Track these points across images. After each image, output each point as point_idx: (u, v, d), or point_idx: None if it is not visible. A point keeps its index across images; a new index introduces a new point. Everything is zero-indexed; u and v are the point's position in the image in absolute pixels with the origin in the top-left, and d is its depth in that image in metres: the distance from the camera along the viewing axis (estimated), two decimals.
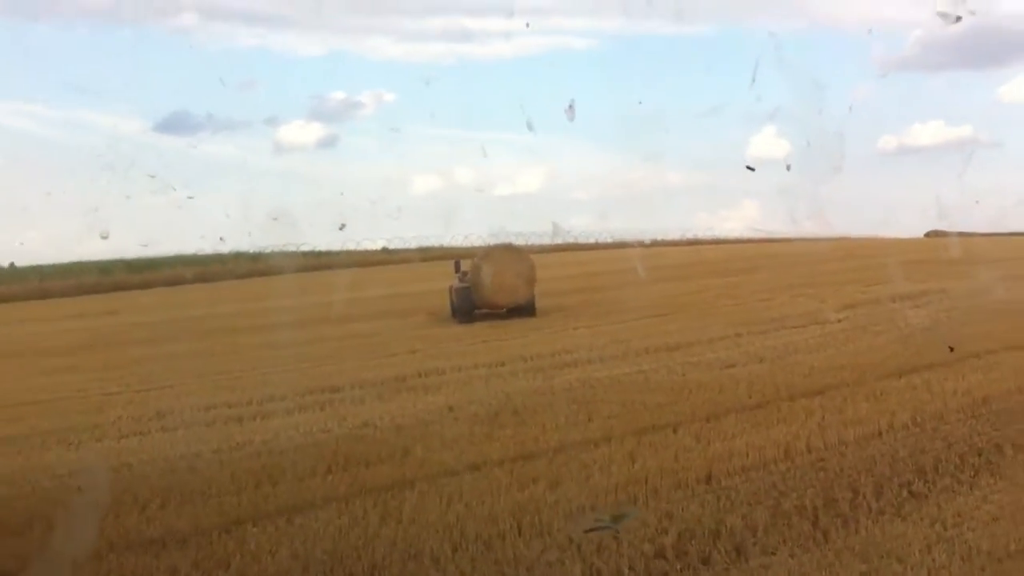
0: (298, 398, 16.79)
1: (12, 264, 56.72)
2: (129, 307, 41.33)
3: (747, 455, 10.88)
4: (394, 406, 15.59)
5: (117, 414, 16.40)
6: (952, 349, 16.16)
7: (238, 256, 52.62)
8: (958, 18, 11.33)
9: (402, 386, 17.60)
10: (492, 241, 34.00)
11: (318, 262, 50.30)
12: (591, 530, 8.34)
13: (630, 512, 8.79)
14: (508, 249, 31.52)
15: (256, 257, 52.16)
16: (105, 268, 53.23)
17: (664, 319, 25.83)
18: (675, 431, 12.34)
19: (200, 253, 53.69)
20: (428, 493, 10.07)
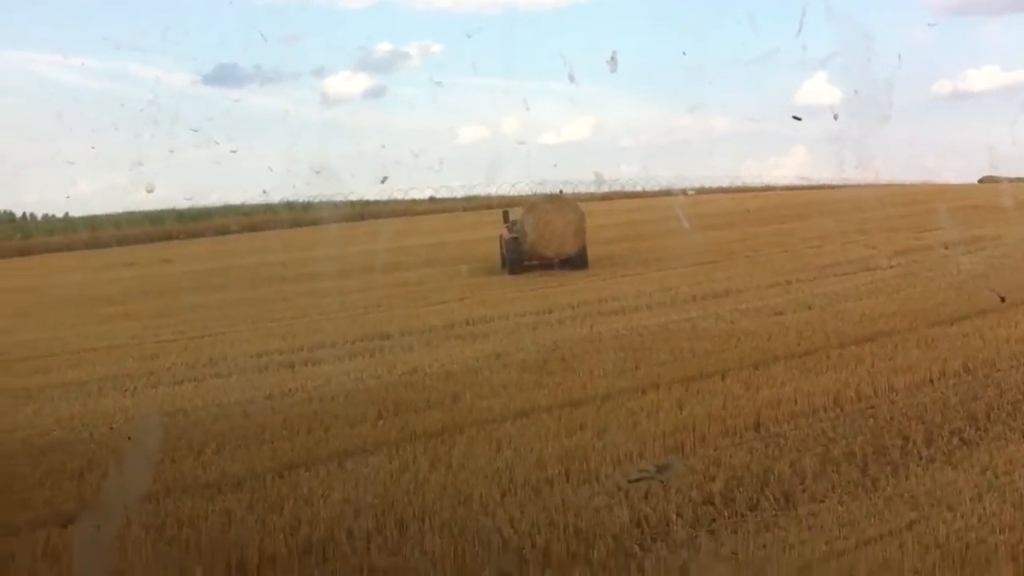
0: (348, 345, 16.98)
1: (66, 214, 57.65)
2: (180, 256, 41.89)
3: (796, 402, 10.83)
4: (443, 353, 15.71)
5: (171, 361, 16.70)
6: (1003, 299, 15.90)
7: (286, 205, 53.03)
8: None
9: (450, 333, 17.72)
10: (538, 190, 33.66)
11: (365, 211, 50.59)
12: (636, 480, 8.37)
13: (674, 462, 8.81)
14: (556, 199, 30.75)
15: (303, 207, 52.55)
16: (156, 218, 53.93)
17: (712, 267, 25.68)
18: (723, 378, 12.30)
19: (248, 203, 54.26)
20: (477, 439, 10.16)
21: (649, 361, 13.71)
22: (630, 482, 8.28)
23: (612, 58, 13.73)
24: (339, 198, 50.81)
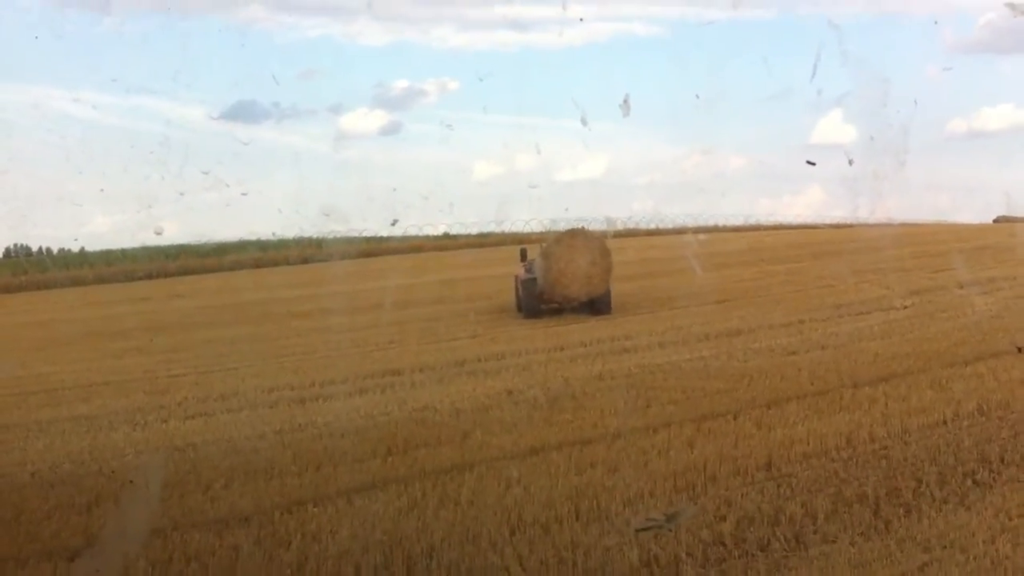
0: (359, 381, 16.97)
1: (82, 249, 57.94)
2: (192, 291, 42.05)
3: (808, 442, 10.76)
4: (453, 390, 15.68)
5: (182, 395, 16.72)
6: (1021, 350, 15.69)
7: (297, 241, 53.25)
8: None
9: (461, 370, 17.70)
10: (551, 228, 32.73)
11: (377, 248, 50.74)
12: (644, 529, 8.29)
13: (684, 510, 8.73)
14: (580, 234, 27.40)
15: (315, 243, 52.74)
16: (169, 253, 54.20)
17: (725, 305, 25.64)
18: (735, 418, 12.24)
19: (262, 239, 54.52)
20: (486, 477, 10.12)
21: (660, 400, 13.66)
22: (638, 531, 8.18)
23: (625, 101, 13.68)
24: (352, 234, 51.01)
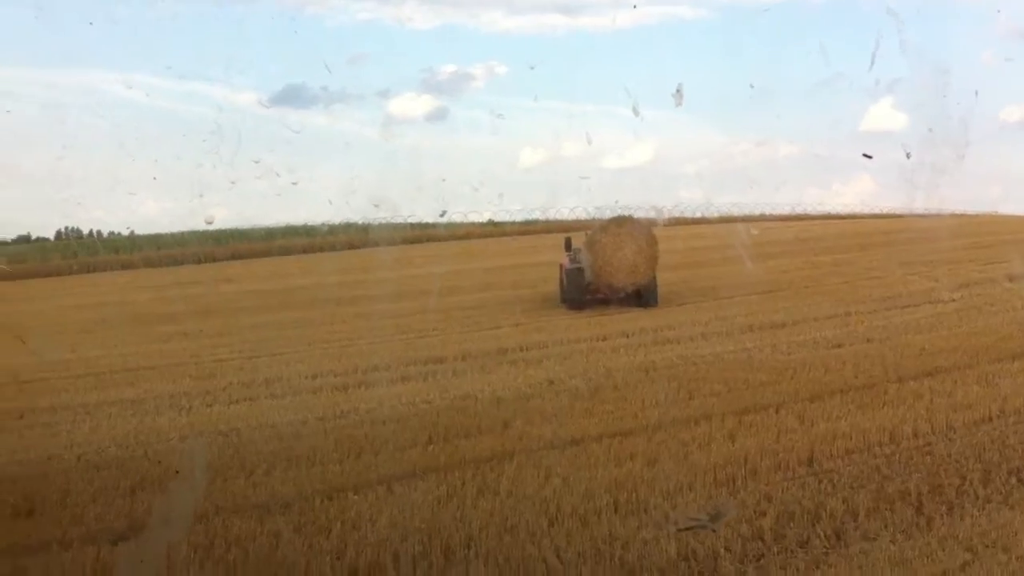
0: (402, 368, 17.06)
1: (132, 232, 58.66)
2: (241, 276, 42.40)
3: (851, 437, 10.66)
4: (495, 378, 15.72)
5: (227, 380, 16.91)
6: None
7: (346, 227, 53.50)
8: None
9: (504, 359, 17.73)
10: (597, 216, 32.00)
11: (423, 235, 50.90)
12: (686, 528, 8.24)
13: (728, 510, 8.67)
14: (626, 222, 26.43)
15: (362, 229, 53.00)
16: (218, 238, 54.73)
17: (770, 296, 25.44)
18: (777, 411, 12.15)
19: (310, 225, 54.84)
20: (526, 466, 10.14)
21: (702, 392, 13.59)
22: (679, 530, 8.13)
23: (678, 91, 13.48)
24: (398, 220, 51.20)
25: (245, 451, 11.44)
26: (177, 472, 10.60)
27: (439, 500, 9.18)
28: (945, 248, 34.38)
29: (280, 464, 10.72)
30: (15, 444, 13.12)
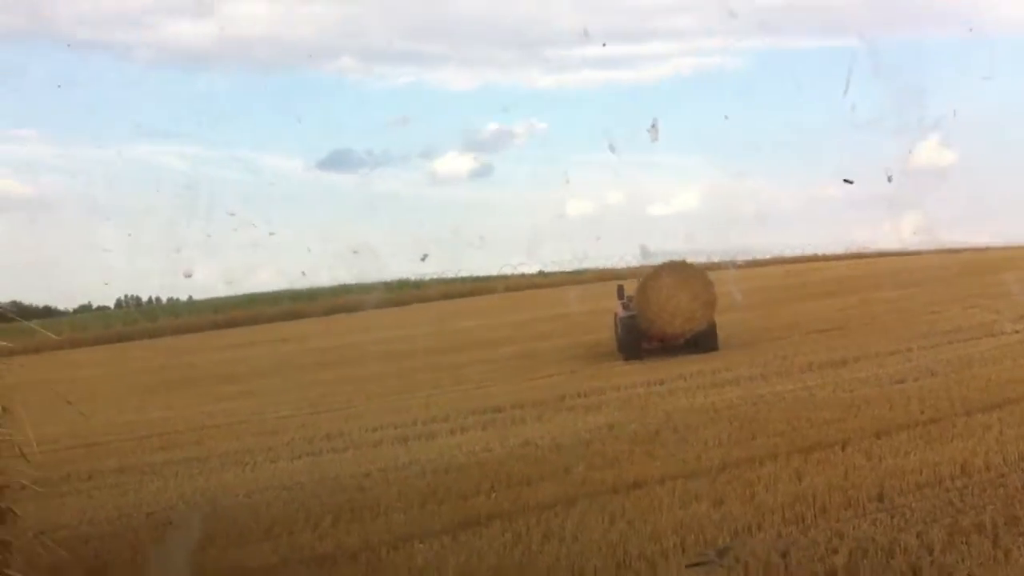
0: (461, 419, 17.10)
1: (190, 297, 59.71)
2: (295, 335, 42.88)
3: (921, 472, 10.45)
4: (554, 425, 15.69)
5: (290, 436, 17.06)
6: None
7: (400, 283, 54.02)
8: None
9: (561, 405, 17.70)
10: (647, 262, 31.29)
11: (475, 288, 51.17)
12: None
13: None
14: (680, 267, 25.80)
15: (415, 285, 53.48)
16: (272, 299, 55.52)
17: (828, 334, 25.14)
18: (843, 448, 11.97)
19: (363, 282, 55.43)
20: (590, 511, 10.07)
21: (765, 431, 13.43)
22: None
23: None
24: (449, 275, 51.63)
25: (310, 504, 11.51)
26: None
27: (504, 546, 9.14)
28: (1002, 280, 33.81)
29: (344, 516, 10.77)
30: (85, 504, 13.34)
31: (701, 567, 8.08)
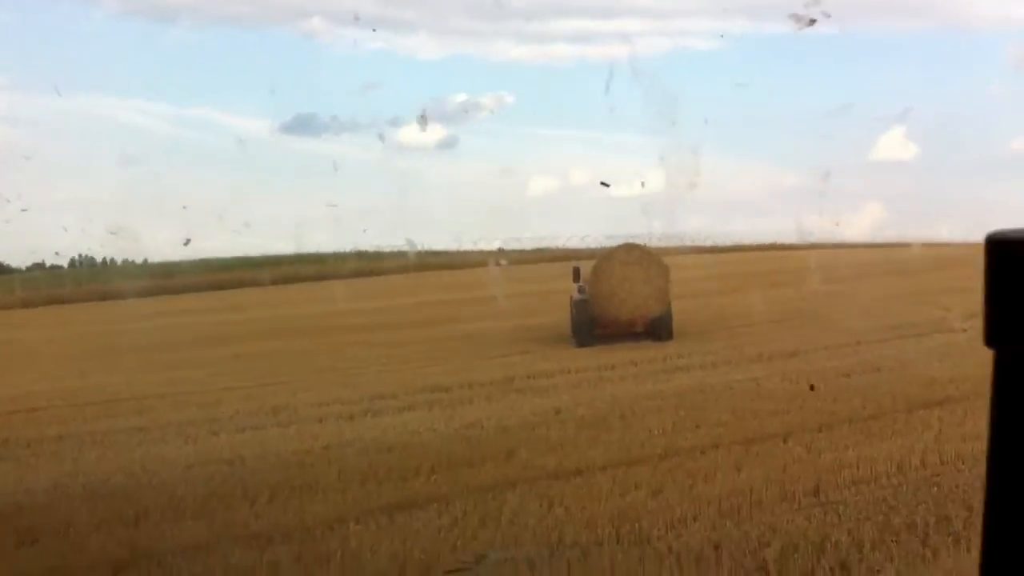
0: (408, 397, 17.02)
1: (145, 260, 58.92)
2: (251, 303, 42.50)
3: (858, 468, 10.57)
4: (501, 407, 15.66)
5: (235, 409, 16.90)
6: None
7: (356, 255, 53.65)
8: None
9: (510, 387, 17.67)
10: (609, 243, 30.57)
11: (433, 262, 50.95)
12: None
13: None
14: (632, 250, 24.78)
15: (372, 256, 53.14)
16: (231, 265, 54.96)
17: (779, 325, 25.32)
18: (785, 441, 12.08)
19: (319, 252, 55.06)
20: (529, 496, 10.08)
21: (709, 421, 13.50)
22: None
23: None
24: (407, 248, 51.31)
25: (249, 480, 11.40)
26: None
27: (440, 530, 9.11)
28: (955, 276, 34.19)
29: (283, 493, 10.69)
30: (22, 472, 13.13)
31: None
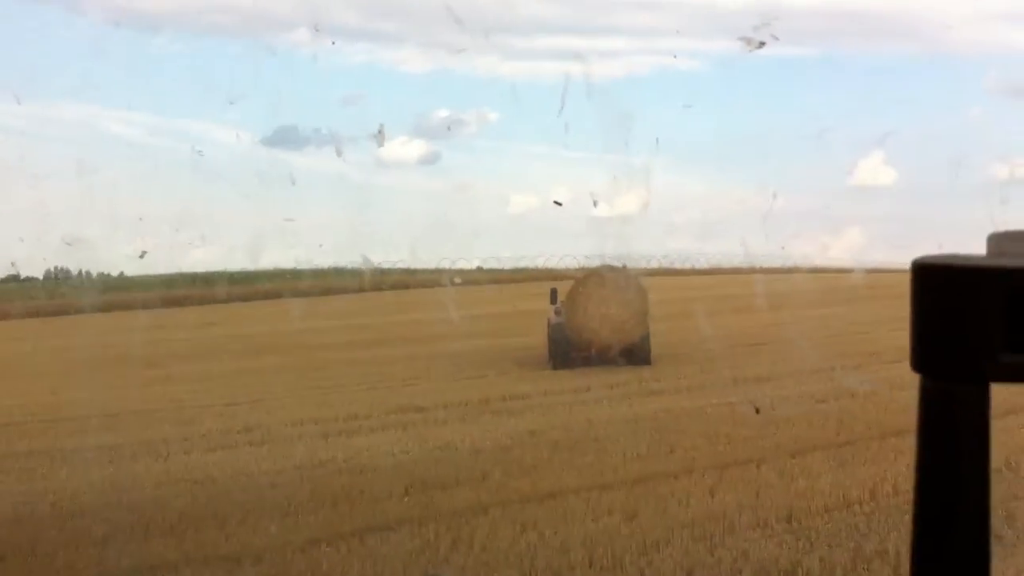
0: (383, 416, 16.96)
1: (122, 273, 58.54)
2: (226, 319, 42.29)
3: (830, 494, 10.60)
4: (476, 429, 15.61)
5: (207, 427, 16.78)
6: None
7: (335, 272, 53.52)
8: None
9: (486, 408, 17.63)
10: (588, 264, 30.32)
11: (411, 280, 50.87)
12: None
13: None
14: (610, 272, 24.59)
15: (351, 274, 53.01)
16: (207, 279, 54.69)
17: (756, 348, 25.38)
18: (758, 466, 12.10)
19: (298, 267, 54.85)
20: (501, 520, 10.05)
21: (683, 445, 13.52)
22: None
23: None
24: (387, 265, 51.23)
25: (219, 501, 11.31)
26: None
27: (411, 553, 9.07)
28: None
29: (254, 514, 10.61)
30: None
31: None
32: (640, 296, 23.84)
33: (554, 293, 24.71)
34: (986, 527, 0.91)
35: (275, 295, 51.35)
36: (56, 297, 53.96)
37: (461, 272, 57.85)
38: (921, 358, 0.92)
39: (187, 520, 10.47)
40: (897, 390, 17.76)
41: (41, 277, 60.97)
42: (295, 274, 55.86)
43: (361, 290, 51.94)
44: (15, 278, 61.18)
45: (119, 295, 51.82)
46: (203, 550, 9.43)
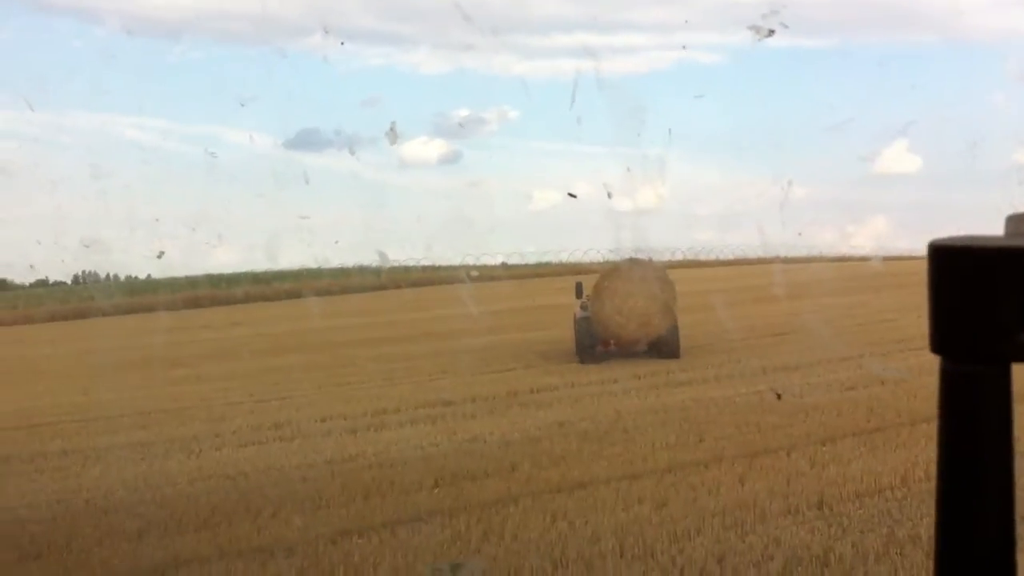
0: (411, 411, 17.02)
1: (148, 276, 58.98)
2: (251, 319, 42.52)
3: (862, 481, 10.55)
4: (505, 421, 15.65)
5: (238, 424, 16.89)
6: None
7: (359, 270, 53.72)
8: None
9: (514, 401, 17.66)
10: (612, 257, 29.97)
11: (435, 276, 51.00)
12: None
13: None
14: (636, 265, 23.85)
15: (375, 272, 53.20)
16: (232, 280, 55.03)
17: (783, 338, 25.28)
18: (788, 454, 12.05)
19: (323, 267, 55.11)
20: (532, 510, 10.06)
21: (713, 435, 13.48)
22: None
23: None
24: (410, 263, 51.38)
25: (252, 495, 11.40)
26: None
27: (442, 544, 9.10)
28: None
29: (286, 508, 10.67)
30: (25, 487, 13.12)
31: None
32: (667, 289, 23.37)
33: (579, 287, 24.50)
34: (1010, 507, 0.91)
35: (295, 294, 51.64)
36: (84, 300, 54.42)
37: (483, 268, 57.96)
38: (940, 340, 0.91)
39: (220, 514, 10.55)
40: (926, 376, 17.65)
41: (69, 281, 61.50)
42: (314, 273, 56.14)
43: (381, 288, 52.12)
44: (43, 283, 61.79)
45: (142, 298, 52.25)
46: (236, 544, 9.50)
